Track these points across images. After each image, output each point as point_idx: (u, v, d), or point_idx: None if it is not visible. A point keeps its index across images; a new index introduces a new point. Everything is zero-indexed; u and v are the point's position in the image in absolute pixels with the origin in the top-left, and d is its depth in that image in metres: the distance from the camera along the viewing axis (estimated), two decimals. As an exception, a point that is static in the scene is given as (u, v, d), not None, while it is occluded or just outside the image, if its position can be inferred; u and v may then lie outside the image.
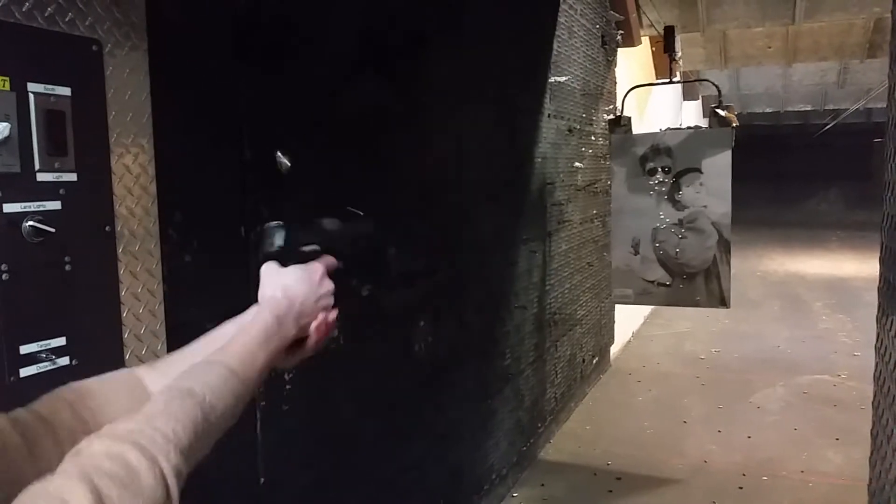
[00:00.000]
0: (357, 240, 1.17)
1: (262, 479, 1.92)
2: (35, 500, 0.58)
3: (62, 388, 0.82)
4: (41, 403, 0.79)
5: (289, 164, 1.25)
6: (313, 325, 0.99)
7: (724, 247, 4.08)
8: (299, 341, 0.98)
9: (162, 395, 0.74)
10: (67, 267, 1.28)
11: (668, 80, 5.43)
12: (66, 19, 1.27)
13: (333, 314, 1.02)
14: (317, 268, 1.02)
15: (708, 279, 4.14)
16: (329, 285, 1.02)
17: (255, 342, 0.89)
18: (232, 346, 0.87)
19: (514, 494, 3.83)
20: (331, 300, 1.02)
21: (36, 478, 0.67)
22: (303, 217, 1.10)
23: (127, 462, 0.62)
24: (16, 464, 0.70)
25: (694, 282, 4.18)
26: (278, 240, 1.02)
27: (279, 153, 1.41)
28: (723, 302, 4.15)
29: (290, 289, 0.97)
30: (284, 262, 1.01)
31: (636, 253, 4.29)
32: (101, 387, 0.84)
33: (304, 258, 1.03)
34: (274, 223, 1.03)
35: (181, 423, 0.70)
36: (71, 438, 0.75)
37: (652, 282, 4.28)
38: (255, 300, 0.99)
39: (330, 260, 1.06)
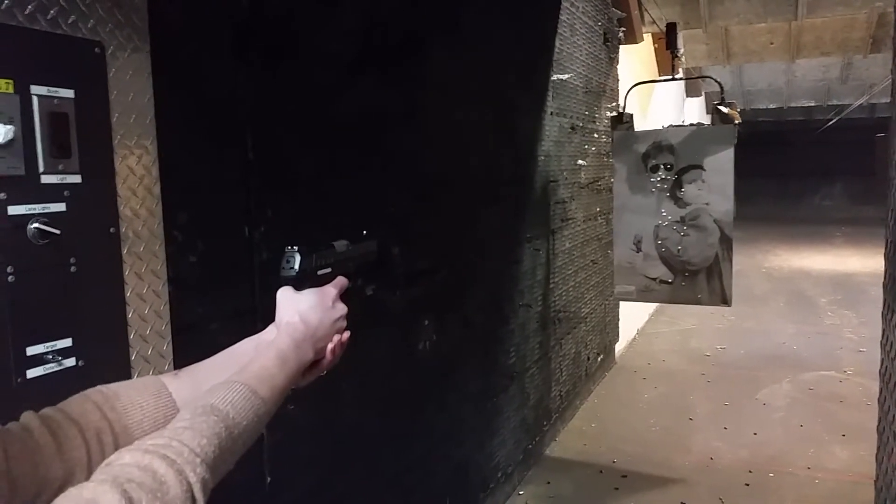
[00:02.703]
0: (364, 260, 1.21)
1: (269, 479, 1.92)
2: None
3: (91, 391, 0.86)
4: (70, 404, 0.83)
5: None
6: (329, 346, 1.04)
7: (727, 244, 4.07)
8: (315, 362, 1.03)
9: (187, 411, 0.78)
10: (73, 269, 1.29)
11: (670, 77, 5.41)
12: (69, 21, 1.28)
13: (346, 335, 1.07)
14: (330, 292, 1.06)
15: (710, 277, 4.13)
16: (342, 308, 1.07)
17: (274, 364, 0.93)
18: (252, 368, 0.91)
19: (521, 492, 3.83)
20: (344, 322, 1.07)
21: (64, 474, 0.74)
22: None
23: (156, 472, 0.66)
24: (45, 461, 0.74)
25: (696, 279, 4.17)
26: (294, 264, 1.05)
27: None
28: (724, 300, 4.14)
29: (306, 314, 1.01)
30: (299, 286, 1.05)
31: (638, 250, 4.28)
32: (128, 390, 0.88)
33: (318, 281, 1.07)
34: (290, 248, 1.06)
35: (206, 438, 0.73)
36: (97, 438, 0.80)
37: (654, 279, 4.27)
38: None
39: (342, 282, 1.10)
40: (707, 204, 4.09)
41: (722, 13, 6.38)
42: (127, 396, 0.86)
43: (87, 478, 0.67)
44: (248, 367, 0.90)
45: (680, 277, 4.21)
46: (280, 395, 0.91)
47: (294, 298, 1.03)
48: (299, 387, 1.01)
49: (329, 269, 1.09)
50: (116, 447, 0.78)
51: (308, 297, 1.03)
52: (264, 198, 1.90)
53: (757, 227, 14.94)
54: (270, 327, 1.04)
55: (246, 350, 1.01)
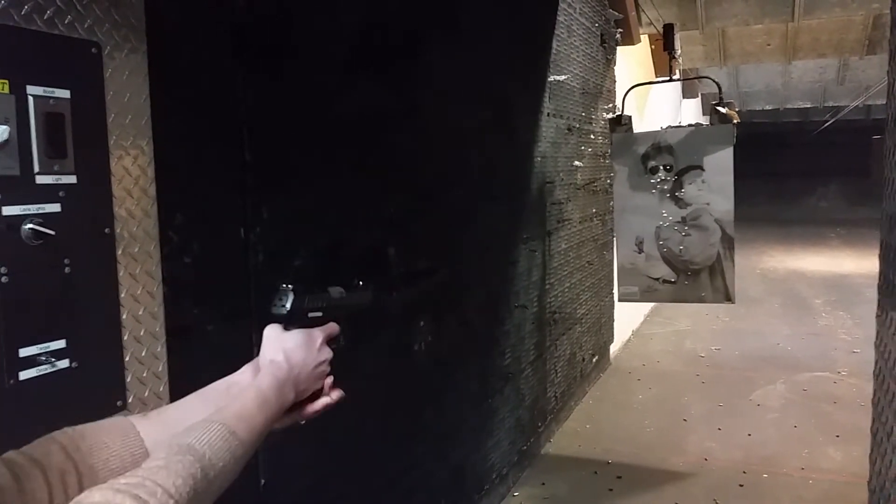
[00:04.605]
0: (357, 310, 1.21)
1: (263, 481, 1.92)
2: None
3: (56, 432, 0.84)
4: (34, 446, 0.81)
5: None
6: (310, 409, 1.04)
7: (728, 243, 4.09)
8: (295, 404, 1.02)
9: (163, 450, 0.76)
10: (67, 269, 1.28)
11: (667, 78, 5.42)
12: (66, 22, 1.27)
13: (329, 380, 1.07)
14: (317, 335, 1.06)
15: (712, 275, 4.16)
16: (327, 353, 1.06)
17: (255, 405, 0.91)
18: (232, 407, 0.89)
19: (515, 493, 3.84)
20: (327, 368, 1.06)
21: None
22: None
23: None
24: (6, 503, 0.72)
25: (699, 278, 4.19)
26: (286, 302, 1.05)
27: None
28: (728, 297, 4.16)
29: (290, 352, 1.01)
30: (288, 325, 1.04)
31: (640, 251, 4.30)
32: (94, 430, 0.87)
33: (308, 323, 1.06)
34: (285, 286, 1.06)
35: (182, 478, 0.71)
36: (61, 479, 0.78)
37: (657, 279, 4.29)
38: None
39: (332, 328, 1.10)
40: (707, 204, 4.12)
41: (719, 14, 6.39)
42: (93, 436, 0.85)
43: None
44: (228, 407, 0.89)
45: (683, 277, 4.23)
46: (259, 436, 0.90)
47: (280, 337, 1.02)
48: (275, 430, 0.99)
49: (320, 313, 1.09)
50: (82, 488, 0.77)
51: (294, 336, 1.03)
52: (260, 199, 1.89)
53: (752, 229, 14.96)
54: (245, 367, 1.03)
55: (218, 390, 0.99)
